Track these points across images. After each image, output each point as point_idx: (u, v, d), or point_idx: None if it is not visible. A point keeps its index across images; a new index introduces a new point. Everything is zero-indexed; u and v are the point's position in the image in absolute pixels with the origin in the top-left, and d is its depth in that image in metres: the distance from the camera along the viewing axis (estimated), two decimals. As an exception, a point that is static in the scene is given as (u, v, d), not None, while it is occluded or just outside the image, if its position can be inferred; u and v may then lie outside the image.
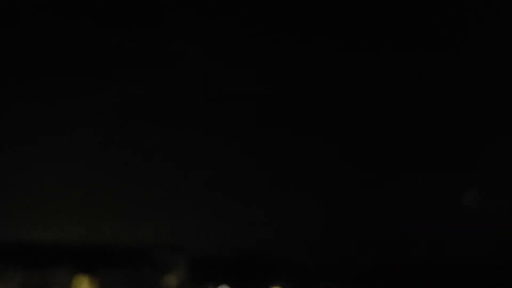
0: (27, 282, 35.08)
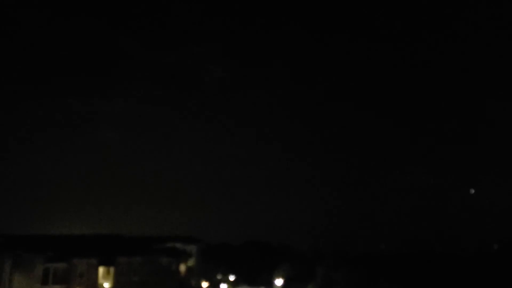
0: (49, 273, 36.88)
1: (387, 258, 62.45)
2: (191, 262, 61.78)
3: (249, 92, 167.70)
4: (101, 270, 47.85)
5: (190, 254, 62.06)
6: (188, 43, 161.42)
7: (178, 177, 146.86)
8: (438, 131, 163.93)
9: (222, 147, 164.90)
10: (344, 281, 51.61)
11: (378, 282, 50.36)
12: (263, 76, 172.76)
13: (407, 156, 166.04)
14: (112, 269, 47.98)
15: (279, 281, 63.88)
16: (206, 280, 64.74)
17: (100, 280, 48.34)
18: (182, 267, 56.51)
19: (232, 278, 71.57)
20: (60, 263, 45.60)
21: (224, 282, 68.91)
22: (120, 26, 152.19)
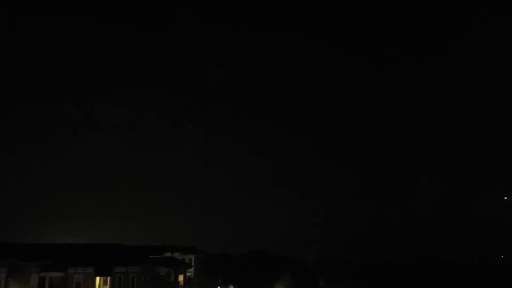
0: (45, 282, 34.79)
1: (390, 267, 61.32)
2: (190, 273, 60.45)
3: (249, 95, 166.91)
4: (98, 280, 47.13)
5: (189, 264, 60.80)
6: (186, 46, 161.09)
7: (178, 185, 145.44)
8: (440, 140, 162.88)
9: (224, 154, 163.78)
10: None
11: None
12: (263, 79, 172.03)
13: (413, 166, 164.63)
14: (109, 279, 47.14)
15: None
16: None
17: (97, 290, 47.72)
18: (181, 278, 55.30)
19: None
20: (56, 272, 45.07)
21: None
22: (120, 30, 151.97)
